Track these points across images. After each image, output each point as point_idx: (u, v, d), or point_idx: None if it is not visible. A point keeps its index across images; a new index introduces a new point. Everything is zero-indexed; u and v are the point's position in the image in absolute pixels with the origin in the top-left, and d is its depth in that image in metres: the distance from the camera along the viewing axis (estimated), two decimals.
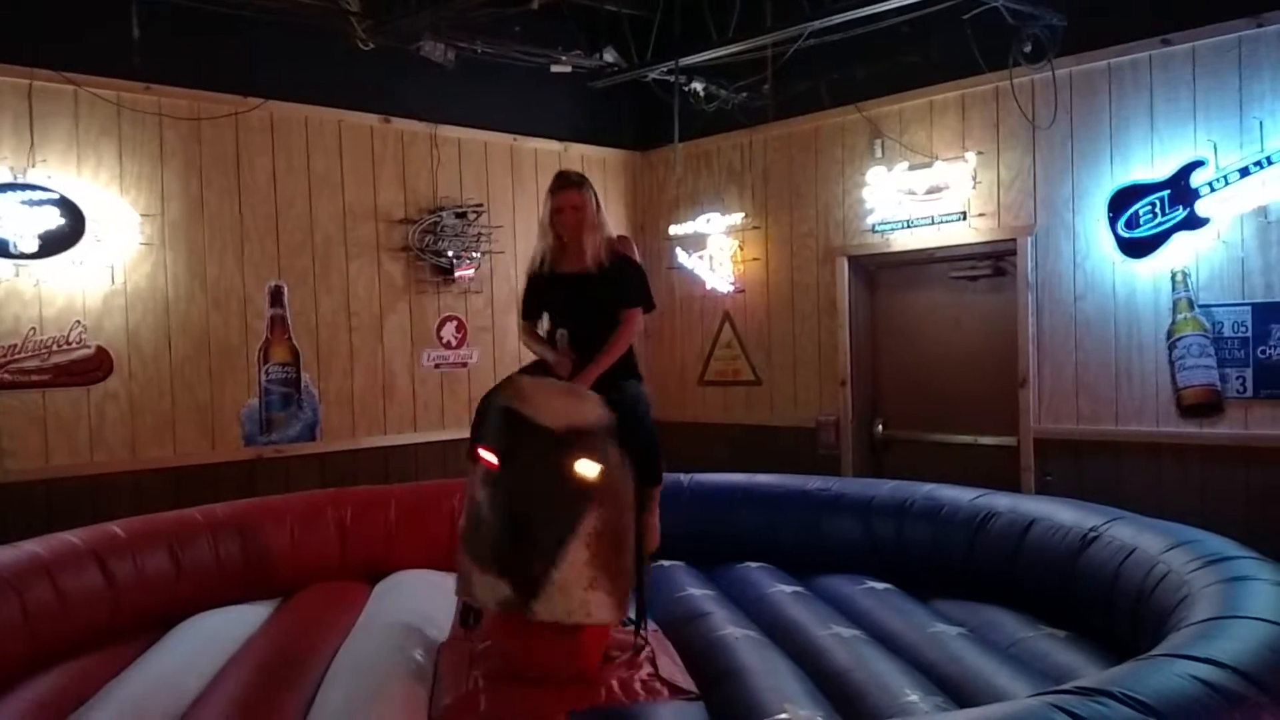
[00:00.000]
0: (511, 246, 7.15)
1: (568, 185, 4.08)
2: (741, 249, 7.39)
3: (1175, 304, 5.39)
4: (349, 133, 6.50)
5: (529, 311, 4.23)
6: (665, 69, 6.87)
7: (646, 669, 3.67)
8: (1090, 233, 5.70)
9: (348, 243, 6.49)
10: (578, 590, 3.44)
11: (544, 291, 4.16)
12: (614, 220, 7.90)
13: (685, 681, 3.64)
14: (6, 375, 5.21)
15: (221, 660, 3.98)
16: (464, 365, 7.01)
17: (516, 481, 3.53)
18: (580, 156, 7.70)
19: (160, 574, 4.55)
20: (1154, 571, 3.61)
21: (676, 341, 7.91)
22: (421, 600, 4.68)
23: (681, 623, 4.19)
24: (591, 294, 4.04)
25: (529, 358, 4.35)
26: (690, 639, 4.04)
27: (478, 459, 3.65)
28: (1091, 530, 4.10)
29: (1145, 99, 5.48)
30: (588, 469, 3.50)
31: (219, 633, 4.34)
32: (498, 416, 3.64)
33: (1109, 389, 5.65)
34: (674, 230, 7.75)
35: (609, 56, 6.99)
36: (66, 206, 5.37)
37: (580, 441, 3.54)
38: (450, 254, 6.76)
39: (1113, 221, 5.58)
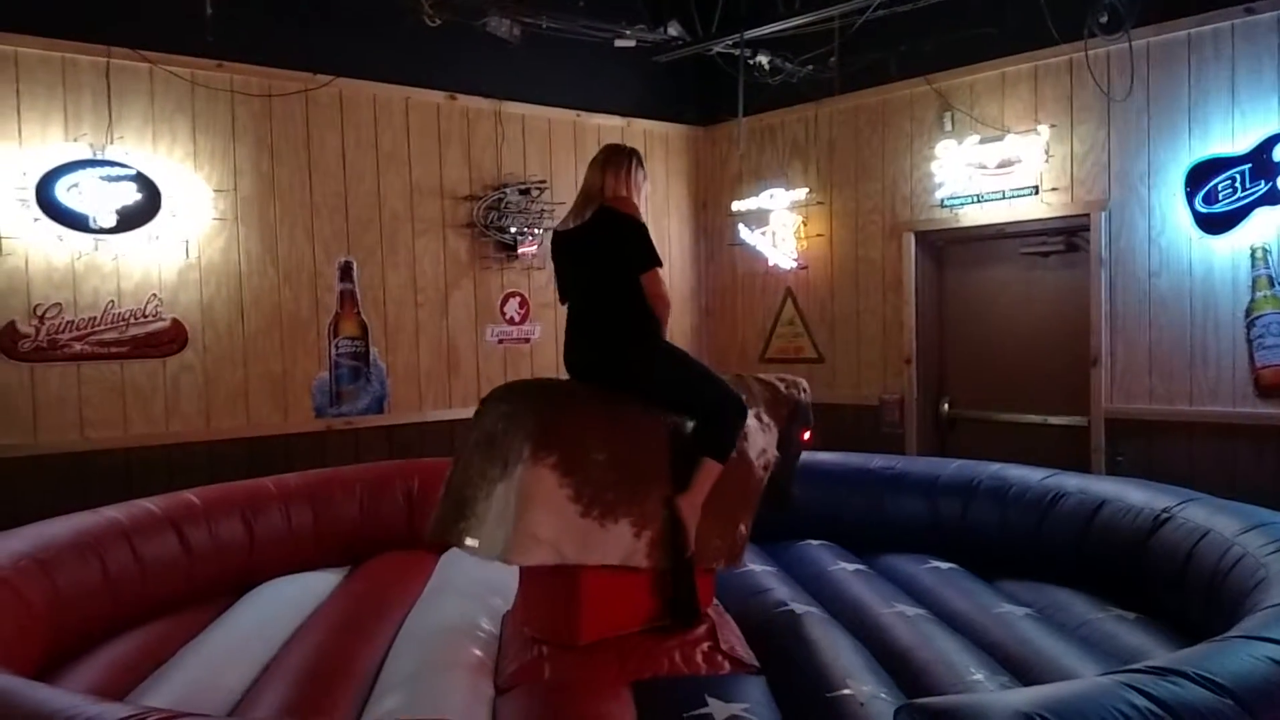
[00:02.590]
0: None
1: None
2: (805, 225, 7.33)
3: (1254, 281, 5.24)
4: (416, 110, 6.56)
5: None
6: (730, 42, 6.82)
7: (707, 642, 3.69)
8: (1166, 208, 5.55)
9: (414, 219, 6.57)
10: None
11: None
12: (675, 197, 7.93)
13: (746, 655, 3.64)
14: (87, 347, 5.37)
15: (293, 626, 4.08)
16: (526, 341, 7.07)
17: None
18: (643, 132, 7.68)
19: (234, 541, 4.67)
20: (1229, 554, 3.52)
21: (738, 318, 7.88)
22: (487, 570, 4.73)
23: (742, 598, 4.19)
24: None
25: None
26: (751, 614, 4.03)
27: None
28: (1164, 511, 4.02)
29: (1226, 70, 5.31)
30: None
31: (291, 599, 4.45)
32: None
33: (1183, 368, 5.52)
34: (737, 206, 7.71)
35: (673, 30, 6.94)
36: (143, 182, 5.50)
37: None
38: (513, 230, 6.81)
39: (1190, 196, 5.44)
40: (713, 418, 3.85)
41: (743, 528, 4.05)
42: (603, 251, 3.86)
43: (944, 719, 2.12)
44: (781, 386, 4.32)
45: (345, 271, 6.28)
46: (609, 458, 3.63)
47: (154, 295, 5.59)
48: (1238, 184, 5.25)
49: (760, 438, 4.12)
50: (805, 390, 4.39)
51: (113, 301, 5.46)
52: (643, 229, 3.85)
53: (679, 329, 7.84)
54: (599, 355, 3.89)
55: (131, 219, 5.46)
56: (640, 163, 3.99)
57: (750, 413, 4.03)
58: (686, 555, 3.76)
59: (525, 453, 3.55)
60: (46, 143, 5.25)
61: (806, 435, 4.40)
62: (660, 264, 3.84)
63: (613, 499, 3.63)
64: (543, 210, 6.94)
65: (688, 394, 3.88)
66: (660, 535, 3.73)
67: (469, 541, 3.68)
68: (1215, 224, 5.35)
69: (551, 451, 3.55)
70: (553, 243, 4.12)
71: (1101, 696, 2.17)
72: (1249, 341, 5.27)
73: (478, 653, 3.70)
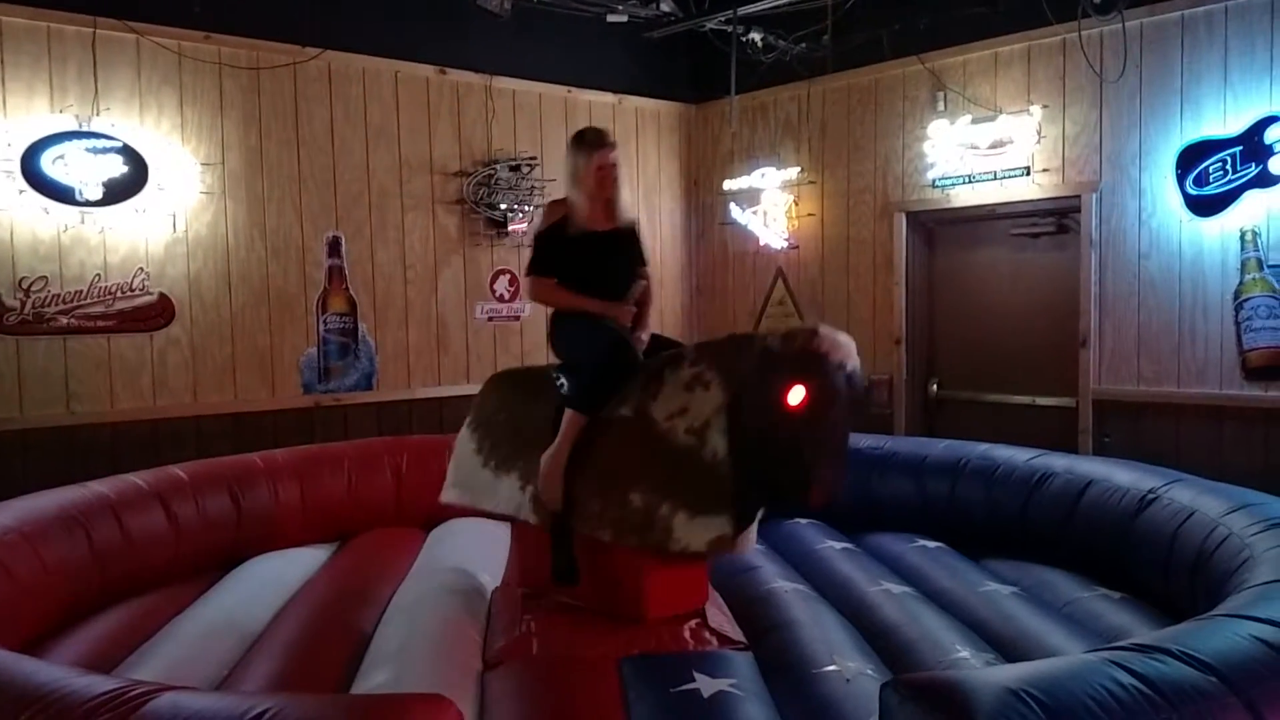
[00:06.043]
0: None
1: (608, 144, 3.97)
2: (796, 204, 7.31)
3: (1244, 264, 5.25)
4: (405, 84, 6.51)
5: (548, 269, 4.00)
6: (723, 19, 6.78)
7: (695, 618, 3.70)
8: (1157, 190, 5.55)
9: (404, 194, 6.53)
10: None
11: (570, 250, 3.95)
12: (667, 175, 7.90)
13: (734, 632, 3.66)
14: (73, 320, 5.33)
15: (280, 601, 4.08)
16: (516, 319, 7.05)
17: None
18: (634, 109, 7.64)
19: (221, 516, 4.67)
20: (1214, 534, 3.55)
21: (728, 298, 7.87)
22: (475, 547, 4.75)
23: (730, 575, 4.20)
24: (627, 249, 4.08)
25: None
26: (739, 591, 4.05)
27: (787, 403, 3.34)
28: (1150, 492, 4.04)
29: (1219, 52, 5.31)
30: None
31: (278, 575, 4.45)
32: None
33: (1171, 350, 5.54)
34: (728, 185, 7.68)
35: (665, 6, 6.90)
36: (129, 155, 5.44)
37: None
38: (504, 207, 6.78)
39: (1181, 178, 5.44)
40: (573, 366, 3.95)
41: (635, 498, 3.54)
42: None
43: (930, 695, 2.13)
44: (759, 339, 3.57)
45: (334, 247, 6.24)
46: (508, 418, 4.18)
47: (141, 269, 5.55)
48: (1229, 166, 5.25)
49: (678, 397, 3.59)
50: (796, 338, 3.41)
51: (99, 275, 5.42)
52: (538, 238, 4.13)
53: (670, 308, 7.84)
54: None
55: (118, 192, 5.41)
56: (583, 143, 3.97)
57: (687, 369, 3.64)
58: (550, 508, 3.80)
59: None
60: (32, 114, 5.19)
61: (792, 395, 3.31)
62: (538, 272, 4.06)
63: (507, 452, 4.10)
64: (533, 187, 6.90)
65: (567, 352, 4.06)
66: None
67: None
68: (1205, 206, 5.35)
69: (473, 413, 4.37)
70: None
71: (1087, 673, 2.18)
72: (1237, 324, 5.28)
73: (465, 628, 3.71)
